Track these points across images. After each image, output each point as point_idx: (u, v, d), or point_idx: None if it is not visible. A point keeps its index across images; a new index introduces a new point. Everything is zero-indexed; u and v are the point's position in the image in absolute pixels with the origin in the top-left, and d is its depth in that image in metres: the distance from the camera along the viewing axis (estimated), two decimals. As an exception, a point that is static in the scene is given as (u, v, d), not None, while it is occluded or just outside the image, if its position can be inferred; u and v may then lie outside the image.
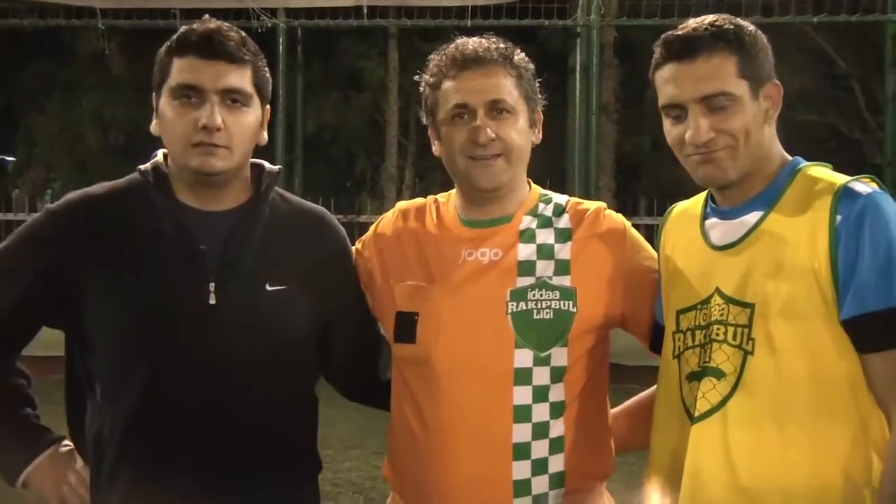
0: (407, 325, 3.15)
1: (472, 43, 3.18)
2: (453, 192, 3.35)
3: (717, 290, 2.80)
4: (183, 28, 3.06)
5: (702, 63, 2.80)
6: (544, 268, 3.13)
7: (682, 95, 2.83)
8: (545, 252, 3.16)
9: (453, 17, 17.29)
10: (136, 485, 2.97)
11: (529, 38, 18.13)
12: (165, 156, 3.12)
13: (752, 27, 2.88)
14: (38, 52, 23.24)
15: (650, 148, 23.24)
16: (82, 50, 22.03)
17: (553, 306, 3.09)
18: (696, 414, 2.75)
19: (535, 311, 3.08)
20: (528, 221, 3.22)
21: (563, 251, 3.16)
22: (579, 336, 3.12)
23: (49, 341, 3.24)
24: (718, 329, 2.76)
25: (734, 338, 2.73)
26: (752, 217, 2.81)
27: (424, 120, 3.34)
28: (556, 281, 3.12)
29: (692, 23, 2.87)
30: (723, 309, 2.77)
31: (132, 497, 2.97)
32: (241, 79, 3.02)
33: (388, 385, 3.31)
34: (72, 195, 3.12)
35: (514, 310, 3.08)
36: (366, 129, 23.72)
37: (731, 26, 2.82)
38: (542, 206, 3.27)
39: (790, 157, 2.89)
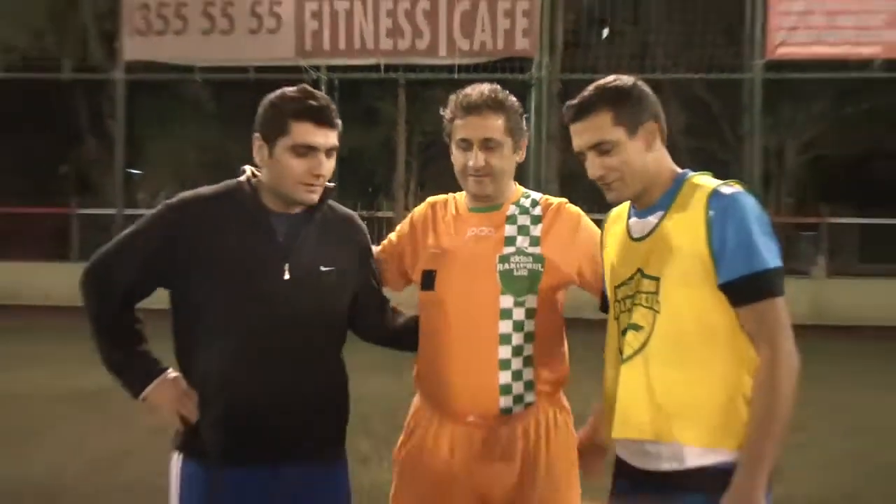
0: (429, 279, 3.22)
1: (475, 93, 3.21)
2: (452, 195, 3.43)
3: (639, 269, 2.78)
4: (297, 95, 3.03)
5: (587, 121, 2.79)
6: (522, 241, 3.20)
7: (580, 145, 2.84)
8: (523, 230, 3.23)
9: (445, 72, 17.33)
10: (223, 418, 2.98)
11: (500, 85, 18.07)
12: (252, 172, 3.12)
13: (630, 83, 2.82)
14: (151, 96, 23.22)
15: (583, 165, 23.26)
16: (184, 94, 22.00)
17: (528, 267, 3.17)
18: (624, 357, 2.77)
19: (515, 270, 3.16)
20: (513, 210, 3.27)
21: (536, 230, 3.23)
22: (545, 289, 3.19)
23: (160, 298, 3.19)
24: (639, 297, 2.75)
25: (647, 302, 2.73)
26: (656, 217, 2.78)
27: (445, 139, 3.33)
28: (530, 250, 3.19)
29: (588, 88, 2.83)
30: (640, 282, 2.76)
31: (218, 429, 2.97)
32: (335, 138, 3.07)
33: (398, 330, 3.39)
34: (185, 194, 3.08)
35: (501, 269, 3.16)
36: (382, 151, 23.63)
37: (611, 87, 2.79)
38: (523, 199, 3.32)
39: (680, 171, 2.85)
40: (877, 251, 18.25)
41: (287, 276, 2.97)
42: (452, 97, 3.26)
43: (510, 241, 3.21)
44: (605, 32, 17.95)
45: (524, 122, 3.32)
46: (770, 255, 2.59)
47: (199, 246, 2.94)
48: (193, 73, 17.95)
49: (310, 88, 3.06)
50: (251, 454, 2.96)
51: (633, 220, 2.87)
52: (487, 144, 3.17)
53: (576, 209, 3.33)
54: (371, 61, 17.46)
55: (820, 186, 22.08)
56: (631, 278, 2.79)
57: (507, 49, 17.04)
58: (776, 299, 2.60)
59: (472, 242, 3.22)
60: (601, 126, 2.77)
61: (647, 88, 2.83)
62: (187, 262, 2.95)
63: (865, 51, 16.41)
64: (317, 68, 17.90)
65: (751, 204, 2.65)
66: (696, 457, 2.63)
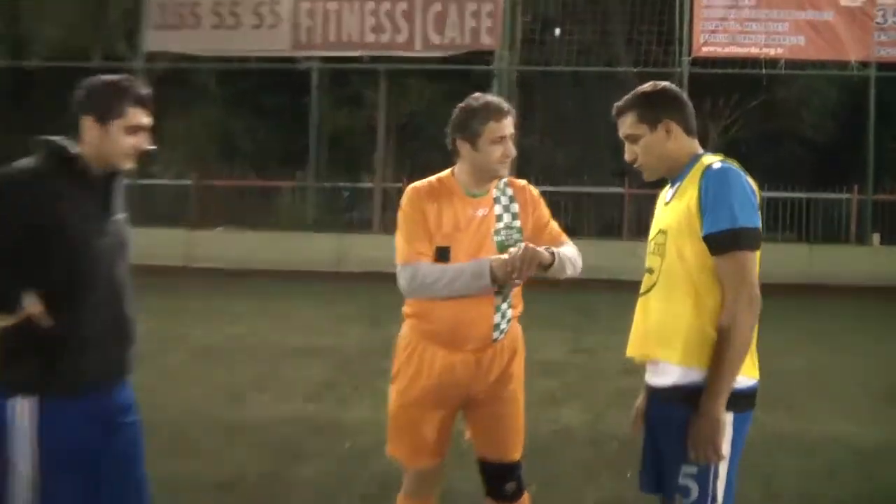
0: (445, 253, 3.38)
1: (498, 101, 3.43)
2: (448, 175, 3.51)
3: (660, 227, 2.93)
4: (129, 85, 2.96)
5: (620, 119, 2.98)
6: (507, 217, 3.47)
7: (620, 135, 3.00)
8: (506, 208, 3.49)
9: (419, 64, 17.33)
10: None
11: (466, 75, 18.13)
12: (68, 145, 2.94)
13: (654, 90, 2.96)
14: (167, 82, 22.96)
15: (538, 144, 23.30)
16: (195, 81, 21.71)
17: (514, 237, 3.43)
18: (640, 293, 2.93)
19: (506, 240, 3.42)
20: (496, 192, 3.50)
21: (514, 207, 3.50)
22: None
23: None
24: (655, 247, 2.90)
25: (658, 251, 2.87)
26: (676, 187, 2.91)
27: (457, 134, 3.44)
28: (514, 224, 3.47)
29: (629, 94, 3.00)
30: (657, 235, 2.90)
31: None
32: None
33: None
34: (22, 173, 2.84)
35: (497, 239, 3.42)
36: (365, 131, 23.36)
37: (638, 94, 2.96)
38: (498, 181, 3.53)
39: (700, 152, 2.95)
40: (782, 221, 18.18)
41: (110, 228, 2.93)
42: (479, 105, 3.41)
43: (499, 218, 3.46)
44: (557, 31, 17.97)
45: None
46: (743, 216, 2.69)
47: (52, 216, 2.79)
48: (203, 63, 17.80)
49: (133, 78, 3.02)
50: (114, 378, 2.96)
51: (669, 190, 2.97)
52: (513, 138, 3.43)
53: (533, 187, 3.59)
54: (356, 53, 17.47)
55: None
56: (657, 233, 2.92)
57: (474, 44, 17.06)
58: (744, 252, 2.69)
59: (476, 222, 3.42)
60: (629, 123, 2.95)
61: (670, 93, 2.97)
62: (47, 230, 2.79)
63: (772, 52, 16.76)
64: (310, 59, 17.79)
65: (735, 176, 2.76)
66: (677, 376, 2.75)
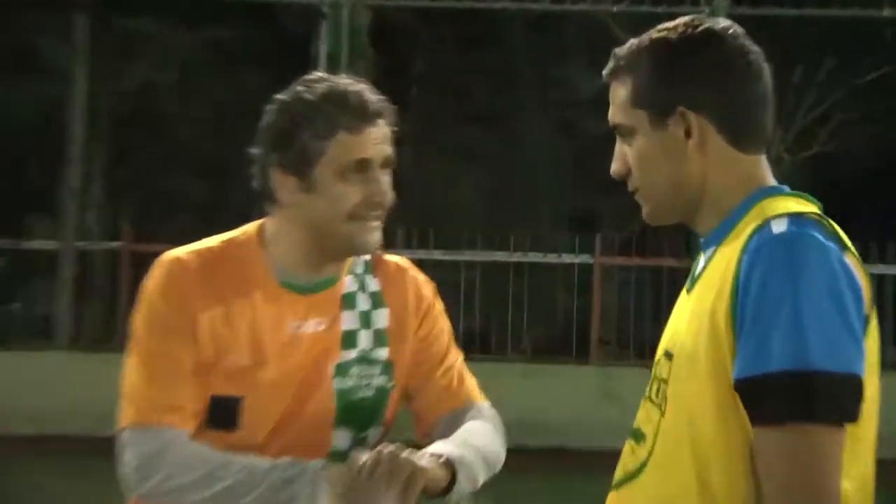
0: (228, 411, 3.40)
1: (358, 91, 3.41)
2: (248, 239, 3.53)
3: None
4: None
5: (611, 89, 2.93)
6: (365, 339, 3.53)
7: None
8: (365, 321, 3.55)
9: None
10: None
11: (264, 16, 18.44)
12: None
13: (682, 37, 2.86)
14: None
15: (413, 158, 23.47)
16: None
17: (374, 383, 3.52)
18: (614, 481, 2.91)
19: (357, 389, 3.49)
20: (349, 283, 3.56)
21: (380, 319, 3.58)
22: (391, 411, 3.57)
23: None
24: (654, 385, 2.86)
25: (656, 395, 2.84)
26: (710, 252, 2.87)
27: (273, 157, 3.41)
28: (376, 354, 3.54)
29: None
30: (660, 362, 2.88)
31: None
32: None
33: None
34: None
35: (339, 386, 3.47)
36: (42, 126, 23.49)
37: (650, 42, 2.89)
38: (355, 262, 3.58)
39: (768, 185, 2.89)
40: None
41: None
42: (317, 98, 3.39)
43: (349, 339, 3.51)
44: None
45: None
46: (822, 348, 2.55)
47: None
48: None
49: None
50: None
51: (701, 257, 2.94)
52: (389, 164, 3.45)
53: (423, 278, 3.70)
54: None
55: (825, 205, 22.48)
56: (662, 357, 2.89)
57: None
58: (816, 428, 2.57)
59: (297, 347, 3.43)
60: (620, 101, 2.91)
61: (713, 47, 2.87)
62: None
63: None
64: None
65: (811, 252, 2.63)
66: None
